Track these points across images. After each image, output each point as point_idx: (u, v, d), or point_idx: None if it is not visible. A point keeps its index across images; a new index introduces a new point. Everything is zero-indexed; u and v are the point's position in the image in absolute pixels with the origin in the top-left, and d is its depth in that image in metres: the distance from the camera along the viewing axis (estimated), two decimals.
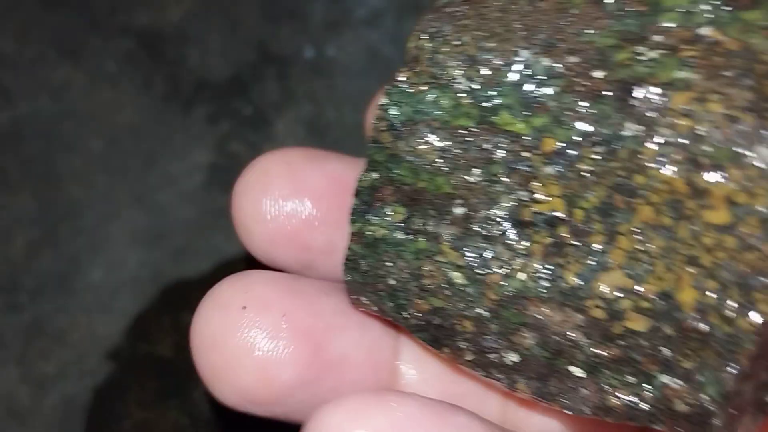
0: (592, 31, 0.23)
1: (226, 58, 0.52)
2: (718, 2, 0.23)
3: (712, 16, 0.23)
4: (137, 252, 0.46)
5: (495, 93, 0.24)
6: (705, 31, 0.23)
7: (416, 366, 0.28)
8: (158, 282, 0.45)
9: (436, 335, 0.25)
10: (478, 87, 0.24)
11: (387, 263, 0.25)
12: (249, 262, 0.31)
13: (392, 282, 0.25)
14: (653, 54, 0.23)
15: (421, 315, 0.25)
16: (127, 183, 0.48)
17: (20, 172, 0.48)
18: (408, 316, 0.26)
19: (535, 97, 0.24)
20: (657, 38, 0.23)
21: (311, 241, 0.30)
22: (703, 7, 0.23)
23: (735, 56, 0.22)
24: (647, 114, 0.22)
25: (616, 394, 0.23)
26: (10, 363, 0.43)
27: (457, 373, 0.28)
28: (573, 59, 0.23)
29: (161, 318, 0.42)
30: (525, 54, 0.24)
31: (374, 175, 0.25)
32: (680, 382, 0.23)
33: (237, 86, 0.51)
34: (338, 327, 0.27)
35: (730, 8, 0.23)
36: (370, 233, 0.25)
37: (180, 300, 0.43)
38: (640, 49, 0.23)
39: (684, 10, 0.23)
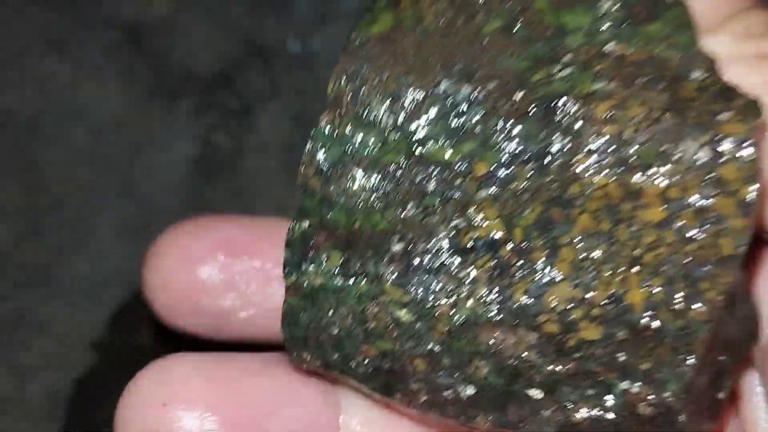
0: (506, 57, 0.24)
1: (212, 51, 0.52)
2: (619, 19, 0.24)
3: (615, 32, 0.24)
4: (121, 243, 0.46)
5: (420, 125, 0.25)
6: (610, 47, 0.24)
7: (359, 421, 0.27)
8: (141, 273, 0.45)
9: (387, 381, 0.25)
10: (403, 121, 0.25)
11: (329, 312, 0.25)
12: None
13: (335, 331, 0.25)
14: (567, 71, 0.24)
15: (369, 361, 0.25)
16: (112, 175, 0.48)
17: (5, 164, 0.48)
18: (355, 365, 0.25)
19: (461, 124, 0.24)
20: (567, 58, 0.24)
21: (210, 308, 0.30)
22: (604, 26, 0.24)
23: (644, 66, 0.23)
24: (573, 126, 0.23)
25: (579, 409, 0.24)
26: None
27: (400, 420, 0.27)
28: (492, 84, 0.24)
29: (142, 308, 0.42)
30: (445, 84, 0.24)
31: (305, 224, 0.25)
32: (640, 385, 0.23)
33: (222, 79, 0.51)
34: (274, 407, 0.26)
35: (630, 23, 0.24)
36: (307, 283, 0.25)
37: None
38: (555, 68, 0.24)
39: (587, 30, 0.24)
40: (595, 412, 0.24)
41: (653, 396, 0.23)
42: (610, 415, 0.23)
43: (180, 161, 0.49)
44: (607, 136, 0.23)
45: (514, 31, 0.24)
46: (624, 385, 0.23)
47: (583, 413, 0.24)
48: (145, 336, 0.41)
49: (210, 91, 0.51)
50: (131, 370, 0.41)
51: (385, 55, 0.25)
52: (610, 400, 0.23)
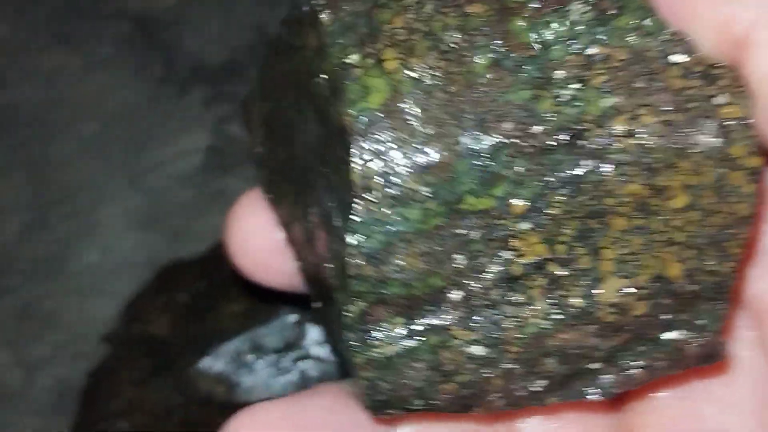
0: (506, 91, 0.25)
1: (223, 41, 0.52)
2: (591, 20, 0.25)
3: (591, 35, 0.25)
4: (131, 235, 0.46)
5: (453, 185, 0.25)
6: (592, 50, 0.25)
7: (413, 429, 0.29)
8: (154, 265, 0.44)
9: (467, 403, 0.27)
10: (437, 187, 0.25)
11: (407, 371, 0.26)
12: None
13: (417, 384, 0.26)
14: (570, 92, 0.25)
15: (449, 395, 0.26)
16: (122, 166, 0.48)
17: (13, 156, 0.48)
18: (437, 402, 0.27)
19: (491, 172, 0.25)
20: (560, 74, 0.25)
21: (287, 266, 0.32)
22: (580, 29, 0.25)
23: (631, 64, 0.25)
24: (597, 148, 0.24)
25: (635, 365, 0.26)
26: (2, 346, 0.42)
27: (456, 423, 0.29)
28: (507, 125, 0.25)
29: (156, 298, 0.42)
30: (464, 139, 0.24)
31: (361, 305, 0.25)
32: (684, 332, 0.26)
33: (233, 69, 0.51)
34: None
35: (601, 22, 0.25)
36: (379, 355, 0.26)
37: (175, 281, 0.42)
38: (555, 91, 0.25)
39: (566, 38, 0.25)
40: (649, 363, 0.26)
41: (697, 338, 0.26)
42: (662, 363, 0.26)
43: (192, 152, 0.49)
44: (631, 149, 0.24)
45: (503, 60, 0.25)
46: (670, 335, 0.26)
47: (638, 368, 0.26)
48: (156, 323, 0.41)
49: (221, 82, 0.51)
50: (141, 357, 0.40)
51: (397, 127, 0.25)
52: (660, 350, 0.26)
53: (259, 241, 0.32)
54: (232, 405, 0.37)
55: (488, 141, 0.24)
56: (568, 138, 0.24)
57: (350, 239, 0.25)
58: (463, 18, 0.25)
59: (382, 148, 0.24)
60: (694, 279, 0.25)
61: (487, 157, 0.24)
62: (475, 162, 0.25)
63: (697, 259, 0.25)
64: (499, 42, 0.25)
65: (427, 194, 0.25)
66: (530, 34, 0.25)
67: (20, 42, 0.51)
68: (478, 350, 0.26)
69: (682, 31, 0.25)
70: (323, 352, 0.38)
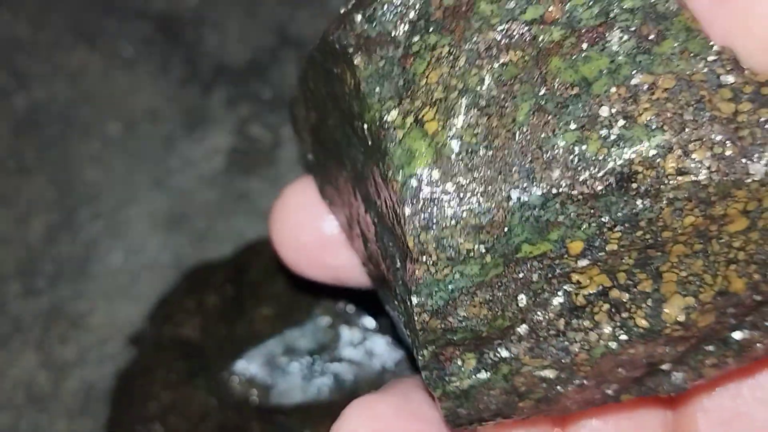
0: (551, 137, 0.24)
1: (245, 42, 0.51)
2: (632, 49, 0.24)
3: (634, 64, 0.24)
4: (157, 236, 0.45)
5: (508, 238, 0.25)
6: (636, 80, 0.24)
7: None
8: (180, 266, 0.44)
9: (544, 410, 0.27)
10: (492, 243, 0.25)
11: (484, 398, 0.27)
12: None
13: (494, 407, 0.27)
14: (616, 131, 0.24)
15: (527, 409, 0.27)
16: (146, 167, 0.47)
17: (37, 157, 0.47)
18: (515, 414, 0.28)
19: (544, 220, 0.25)
20: (604, 110, 0.24)
21: (334, 260, 0.32)
22: (621, 59, 0.24)
23: (677, 92, 0.24)
24: (650, 189, 0.24)
25: (704, 364, 0.26)
26: (29, 348, 0.42)
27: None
28: (555, 174, 0.24)
29: (185, 301, 0.41)
30: (515, 193, 0.24)
31: (432, 348, 0.26)
32: (752, 332, 0.26)
33: (256, 70, 0.50)
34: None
35: (643, 50, 0.24)
36: (456, 388, 0.27)
37: (204, 283, 0.42)
38: (602, 132, 0.24)
39: (607, 71, 0.24)
40: (719, 361, 0.26)
41: (764, 337, 0.26)
42: (731, 360, 0.26)
43: (215, 153, 0.48)
44: (685, 186, 0.24)
45: (545, 104, 0.24)
46: (737, 335, 0.26)
47: (708, 366, 0.26)
48: (187, 326, 0.40)
49: (243, 82, 0.50)
50: (174, 361, 0.40)
51: (446, 189, 0.25)
52: (728, 348, 0.26)
53: (306, 234, 0.32)
54: (267, 408, 0.37)
55: (538, 192, 0.24)
56: (618, 181, 0.24)
57: (414, 299, 0.25)
58: (498, 69, 0.25)
59: (433, 214, 0.25)
60: (758, 290, 0.25)
61: (539, 208, 0.24)
62: (527, 213, 0.24)
63: (760, 272, 0.25)
64: (538, 86, 0.25)
65: (483, 250, 0.25)
66: (570, 72, 0.24)
67: (43, 42, 0.51)
68: (549, 373, 0.26)
69: (729, 47, 0.24)
70: (357, 354, 0.38)
